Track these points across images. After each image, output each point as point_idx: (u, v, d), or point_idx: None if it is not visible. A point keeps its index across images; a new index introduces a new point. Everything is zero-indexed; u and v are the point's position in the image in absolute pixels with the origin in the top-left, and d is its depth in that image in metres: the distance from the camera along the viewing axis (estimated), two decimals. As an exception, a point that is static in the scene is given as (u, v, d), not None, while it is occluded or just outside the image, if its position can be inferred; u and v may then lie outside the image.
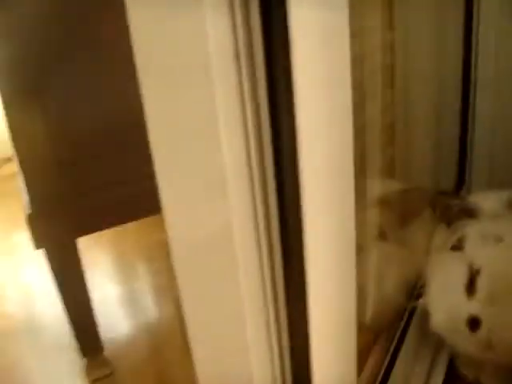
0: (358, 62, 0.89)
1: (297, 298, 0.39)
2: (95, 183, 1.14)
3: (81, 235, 1.16)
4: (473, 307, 0.92)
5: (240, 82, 0.33)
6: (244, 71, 0.33)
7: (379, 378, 0.99)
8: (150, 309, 1.55)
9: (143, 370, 1.29)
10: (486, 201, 1.10)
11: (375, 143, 1.09)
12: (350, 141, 0.39)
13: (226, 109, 0.33)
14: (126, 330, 1.44)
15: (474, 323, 0.91)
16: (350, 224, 0.42)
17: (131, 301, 1.57)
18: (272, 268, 0.37)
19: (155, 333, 1.43)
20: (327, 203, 0.38)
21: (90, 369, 1.27)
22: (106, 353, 1.30)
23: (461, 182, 1.53)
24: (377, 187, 1.13)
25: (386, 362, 1.03)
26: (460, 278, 0.96)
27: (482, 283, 0.91)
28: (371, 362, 1.05)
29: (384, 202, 1.08)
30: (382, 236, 1.08)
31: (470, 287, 0.93)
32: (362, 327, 1.05)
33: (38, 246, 1.10)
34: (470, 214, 1.01)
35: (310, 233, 0.36)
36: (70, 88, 1.06)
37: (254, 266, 0.36)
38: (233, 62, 0.32)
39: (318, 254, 0.37)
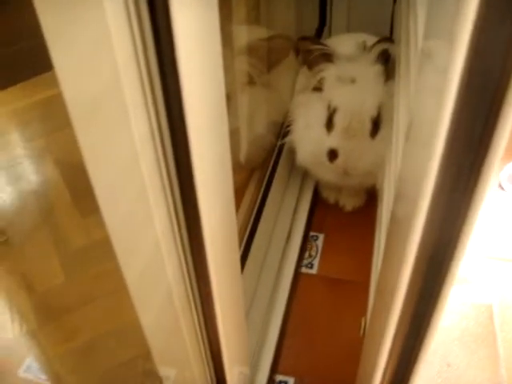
0: None
1: (180, 142, 0.45)
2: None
3: None
4: (331, 141, 1.04)
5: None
6: None
7: (255, 209, 1.11)
8: (32, 174, 1.53)
9: (37, 235, 1.32)
10: (342, 45, 1.14)
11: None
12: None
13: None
14: (12, 198, 1.43)
15: (332, 154, 1.04)
16: (219, 72, 0.47)
17: (11, 169, 1.53)
18: (157, 113, 0.43)
19: (41, 197, 1.44)
20: (198, 55, 0.43)
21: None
22: (-2, 223, 1.31)
23: (322, 26, 1.59)
24: (243, 35, 1.15)
25: (260, 195, 1.14)
26: (320, 116, 1.05)
27: (338, 120, 1.02)
28: (248, 197, 1.16)
29: (250, 49, 1.11)
30: (251, 81, 1.12)
31: (329, 124, 1.04)
32: (238, 166, 1.14)
33: None
34: (329, 57, 1.08)
35: (187, 89, 0.41)
36: None
37: (142, 118, 0.42)
38: None
39: (193, 101, 0.43)
